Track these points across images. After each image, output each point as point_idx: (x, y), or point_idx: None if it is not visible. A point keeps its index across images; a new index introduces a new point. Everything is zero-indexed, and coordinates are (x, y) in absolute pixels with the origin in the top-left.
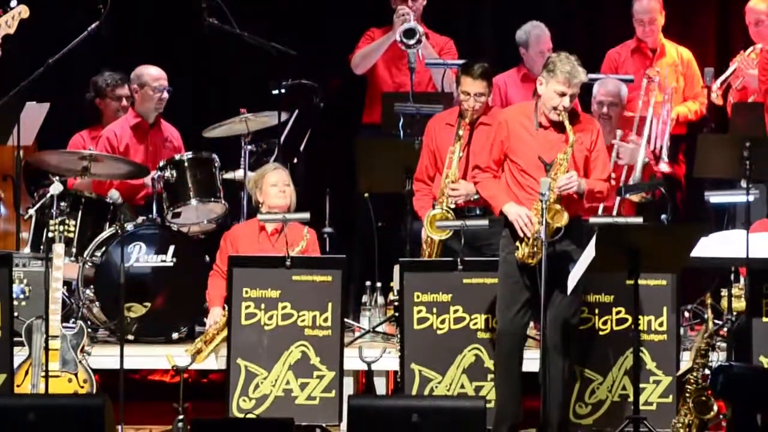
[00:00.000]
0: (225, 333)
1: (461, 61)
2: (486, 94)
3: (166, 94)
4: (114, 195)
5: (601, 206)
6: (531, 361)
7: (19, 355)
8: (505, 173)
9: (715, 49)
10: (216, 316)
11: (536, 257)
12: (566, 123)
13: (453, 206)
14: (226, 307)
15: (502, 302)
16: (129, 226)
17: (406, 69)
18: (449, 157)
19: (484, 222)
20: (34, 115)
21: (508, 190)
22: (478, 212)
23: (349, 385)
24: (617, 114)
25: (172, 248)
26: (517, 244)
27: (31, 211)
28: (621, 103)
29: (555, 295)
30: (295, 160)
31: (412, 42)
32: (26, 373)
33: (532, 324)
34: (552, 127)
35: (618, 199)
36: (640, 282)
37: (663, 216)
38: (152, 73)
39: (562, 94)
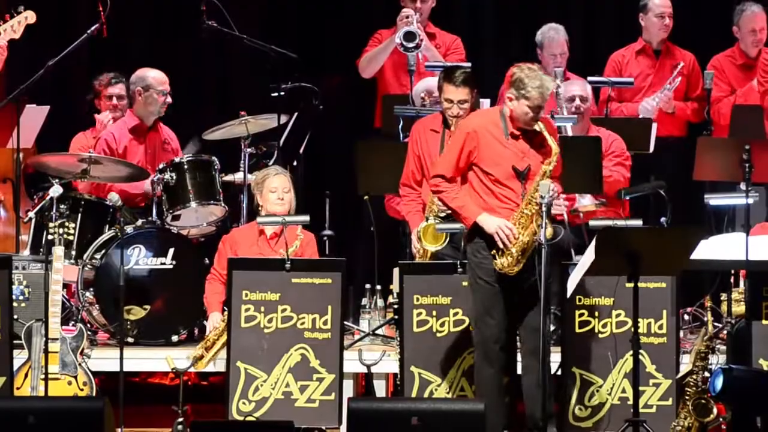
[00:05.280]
0: (225, 338)
1: (464, 65)
2: (469, 100)
3: (170, 99)
4: (114, 197)
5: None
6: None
7: (19, 357)
8: (472, 182)
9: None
10: (215, 321)
11: (519, 266)
12: (546, 134)
13: (443, 215)
14: (226, 311)
15: (482, 309)
16: (128, 229)
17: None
18: None
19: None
20: (33, 117)
21: (478, 199)
22: None
23: (348, 388)
24: (587, 110)
25: (171, 251)
26: (494, 253)
27: (31, 214)
28: (589, 98)
29: (531, 302)
30: (295, 163)
31: (411, 45)
32: (26, 375)
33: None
34: (522, 136)
35: None
36: (640, 285)
37: (662, 219)
38: (158, 77)
39: (538, 108)
